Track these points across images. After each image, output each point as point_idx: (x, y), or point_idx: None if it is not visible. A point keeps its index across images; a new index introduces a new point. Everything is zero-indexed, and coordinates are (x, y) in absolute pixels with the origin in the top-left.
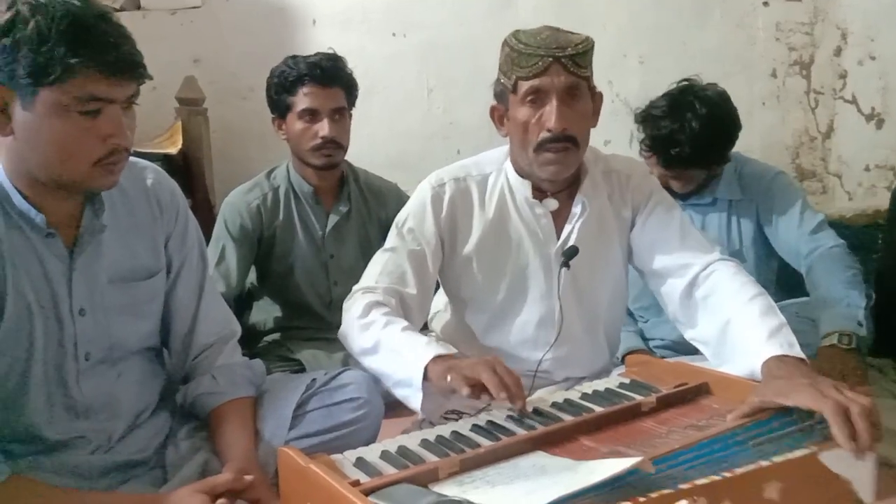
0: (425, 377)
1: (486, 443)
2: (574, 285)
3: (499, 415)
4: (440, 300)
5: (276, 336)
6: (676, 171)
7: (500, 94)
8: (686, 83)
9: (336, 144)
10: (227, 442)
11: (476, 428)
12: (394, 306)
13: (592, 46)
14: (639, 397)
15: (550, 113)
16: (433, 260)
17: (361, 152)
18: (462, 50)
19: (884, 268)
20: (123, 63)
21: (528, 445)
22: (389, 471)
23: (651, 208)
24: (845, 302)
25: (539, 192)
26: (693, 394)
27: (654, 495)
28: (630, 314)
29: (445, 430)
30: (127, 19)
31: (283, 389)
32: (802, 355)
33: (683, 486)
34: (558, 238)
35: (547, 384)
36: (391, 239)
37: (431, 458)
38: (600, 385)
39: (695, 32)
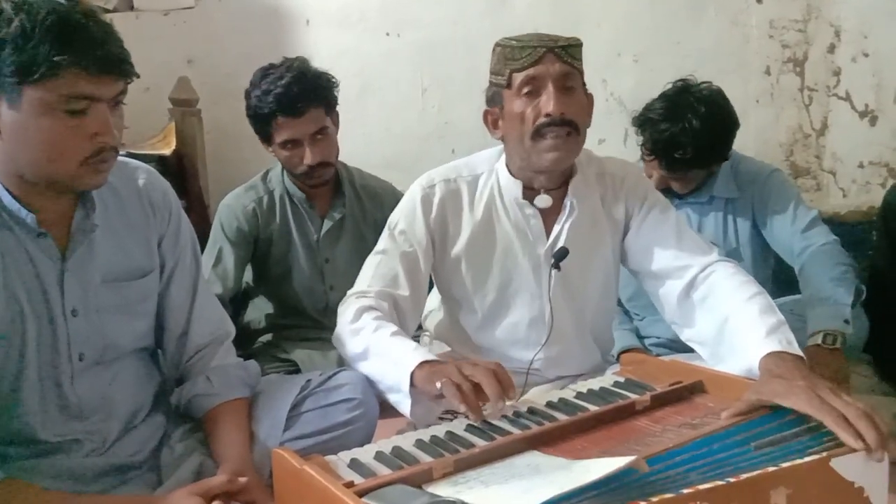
0: (412, 383)
1: (480, 443)
2: (564, 286)
3: (495, 412)
4: (434, 299)
5: (269, 336)
6: (679, 173)
7: (493, 96)
8: (681, 83)
9: (323, 165)
10: (221, 444)
11: (470, 428)
12: (386, 310)
13: (581, 46)
14: (633, 396)
15: (548, 99)
16: (425, 261)
17: (356, 152)
18: (457, 49)
19: (878, 264)
20: (109, 61)
21: (522, 445)
22: (384, 471)
23: (646, 211)
24: (832, 300)
25: (531, 192)
26: (688, 392)
27: (655, 500)
28: (626, 312)
29: (440, 430)
30: (120, 20)
31: (278, 390)
32: (800, 353)
33: (686, 491)
34: (548, 238)
35: (541, 381)
36: (383, 241)
37: (426, 458)
38: (595, 384)
39: (689, 31)
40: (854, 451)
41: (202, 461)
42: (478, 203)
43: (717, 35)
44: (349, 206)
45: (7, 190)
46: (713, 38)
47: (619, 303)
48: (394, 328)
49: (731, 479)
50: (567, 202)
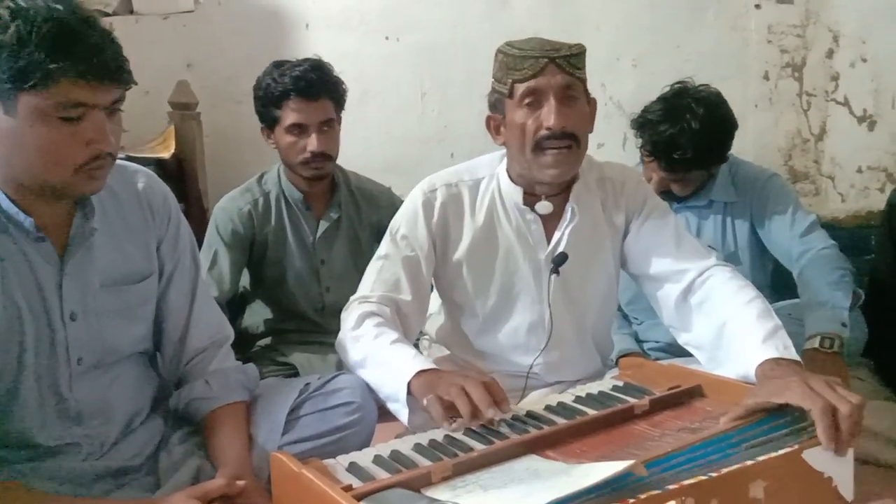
0: (409, 392)
1: (479, 446)
2: (564, 291)
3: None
4: (435, 303)
5: (268, 340)
6: (678, 175)
7: (496, 103)
8: (679, 85)
9: (325, 157)
10: (220, 447)
11: (469, 432)
12: (388, 315)
13: (585, 52)
14: (632, 400)
15: (549, 112)
16: (427, 265)
17: (356, 156)
18: (457, 53)
19: (879, 267)
20: (105, 68)
21: (521, 449)
22: (382, 475)
23: (646, 215)
24: (830, 304)
25: (532, 197)
26: (686, 396)
27: (643, 496)
28: (624, 316)
29: (438, 434)
30: (119, 24)
31: (277, 394)
32: (797, 358)
33: (671, 487)
34: (548, 244)
35: (541, 385)
36: (385, 246)
37: (424, 462)
38: (593, 388)
39: (688, 35)
40: None
41: (200, 464)
42: (479, 208)
43: (717, 39)
44: (345, 208)
45: (6, 195)
46: (712, 42)
47: (618, 307)
48: (394, 335)
49: (713, 474)
50: (568, 208)
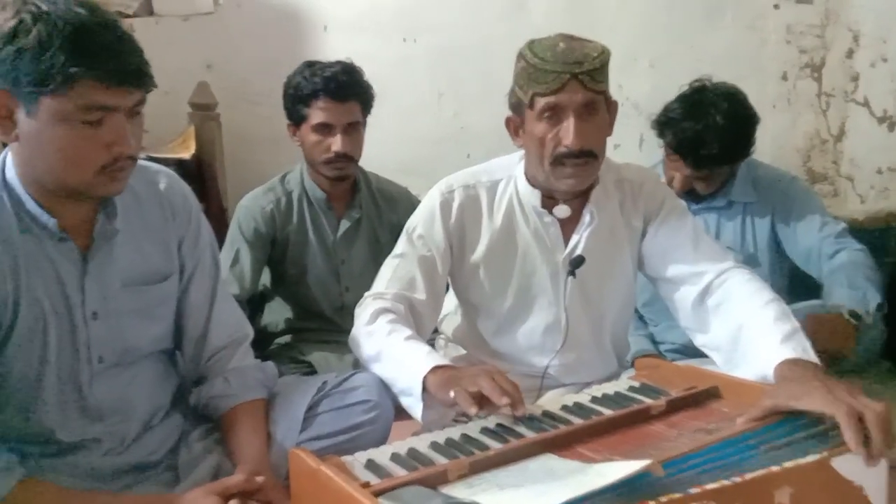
0: (425, 388)
1: (495, 445)
2: (581, 293)
3: (507, 417)
4: (450, 303)
5: (287, 338)
6: (704, 172)
7: (516, 106)
8: (698, 83)
9: (348, 158)
10: (239, 444)
11: (485, 430)
12: (402, 312)
13: (609, 58)
14: (648, 401)
15: (568, 130)
16: (443, 265)
17: (372, 157)
18: (473, 54)
19: None
20: (124, 72)
21: (537, 448)
22: (399, 473)
23: (664, 216)
24: (862, 291)
25: (549, 200)
26: (703, 397)
27: (664, 499)
28: (640, 318)
29: (455, 432)
30: (140, 25)
31: (295, 392)
32: (816, 360)
33: (693, 491)
34: (566, 246)
35: (557, 385)
36: (401, 245)
37: (441, 460)
38: (610, 388)
39: (705, 35)
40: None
41: (220, 461)
42: (497, 210)
43: (734, 40)
44: (366, 208)
45: (30, 195)
46: (730, 42)
47: (635, 308)
48: (408, 332)
49: (737, 479)
50: (587, 212)
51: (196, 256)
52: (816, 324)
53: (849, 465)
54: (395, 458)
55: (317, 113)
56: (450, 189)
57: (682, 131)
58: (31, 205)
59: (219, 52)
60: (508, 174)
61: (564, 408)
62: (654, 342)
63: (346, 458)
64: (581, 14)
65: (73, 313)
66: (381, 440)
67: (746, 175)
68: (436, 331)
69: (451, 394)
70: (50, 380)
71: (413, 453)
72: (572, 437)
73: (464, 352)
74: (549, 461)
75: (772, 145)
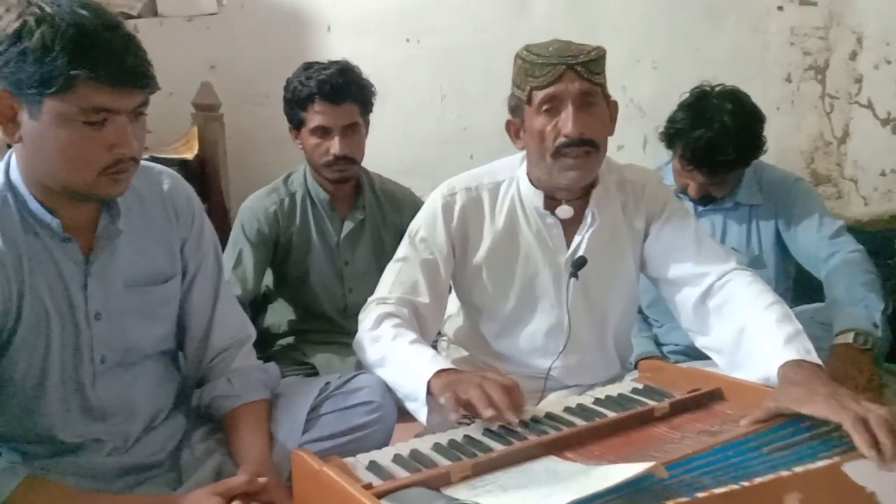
0: (429, 391)
1: (498, 447)
2: (584, 295)
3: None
4: (453, 305)
5: (290, 339)
6: (720, 176)
7: (515, 108)
8: (698, 90)
9: (348, 160)
10: (241, 444)
11: (488, 432)
12: (406, 316)
13: (604, 55)
14: (652, 403)
15: (567, 119)
16: (445, 268)
17: (375, 158)
18: (476, 56)
19: None
20: (127, 74)
21: (540, 450)
22: (402, 474)
23: (666, 217)
24: (863, 303)
25: (552, 201)
26: (706, 399)
27: (670, 503)
28: (644, 319)
29: (458, 434)
30: (143, 26)
31: (297, 393)
32: (819, 362)
33: (700, 495)
34: (568, 248)
35: (560, 387)
36: (403, 248)
37: (444, 462)
38: (613, 390)
39: (709, 37)
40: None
41: (222, 461)
42: (499, 211)
43: (737, 42)
44: (369, 210)
45: (33, 196)
46: (733, 44)
47: (638, 310)
48: (412, 336)
49: (745, 484)
50: (589, 212)
51: (199, 258)
52: (835, 359)
53: (860, 470)
54: (397, 459)
55: (314, 116)
56: (452, 191)
57: (695, 140)
58: (34, 206)
59: (222, 52)
60: (511, 175)
61: (567, 410)
62: (658, 343)
63: (349, 460)
64: (583, 16)
65: (76, 314)
66: (384, 441)
67: (752, 177)
68: (439, 333)
69: (441, 399)
70: (52, 380)
71: (416, 455)
72: (575, 440)
73: (466, 353)
74: (552, 463)
75: (775, 147)
